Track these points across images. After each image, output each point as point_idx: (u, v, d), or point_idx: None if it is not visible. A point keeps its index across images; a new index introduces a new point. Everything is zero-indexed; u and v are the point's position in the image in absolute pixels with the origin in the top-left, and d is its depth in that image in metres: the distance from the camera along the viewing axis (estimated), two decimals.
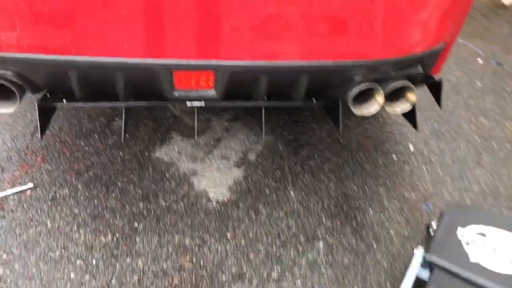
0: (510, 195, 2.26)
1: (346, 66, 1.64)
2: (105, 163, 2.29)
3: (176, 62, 1.50)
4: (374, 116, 2.76)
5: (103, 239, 1.92)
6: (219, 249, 1.91)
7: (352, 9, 1.51)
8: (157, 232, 1.96)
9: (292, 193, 2.20)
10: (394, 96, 1.86)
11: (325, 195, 2.20)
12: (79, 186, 2.15)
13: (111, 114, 2.62)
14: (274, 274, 1.84)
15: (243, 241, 1.95)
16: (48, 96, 1.84)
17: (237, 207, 2.11)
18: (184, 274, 1.81)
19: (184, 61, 1.51)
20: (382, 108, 1.85)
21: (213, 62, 1.52)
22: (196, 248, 1.91)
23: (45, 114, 1.90)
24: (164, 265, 1.83)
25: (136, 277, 1.78)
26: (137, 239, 1.93)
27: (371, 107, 1.84)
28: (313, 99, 1.91)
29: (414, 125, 2.03)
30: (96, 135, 2.46)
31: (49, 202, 2.06)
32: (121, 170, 2.25)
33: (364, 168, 2.37)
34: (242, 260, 1.88)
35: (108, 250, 1.88)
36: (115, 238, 1.92)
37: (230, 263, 1.86)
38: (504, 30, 4.00)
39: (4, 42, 1.43)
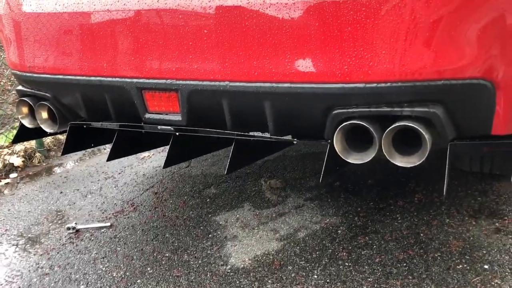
0: None
1: (313, 92, 1.38)
2: (172, 217, 2.42)
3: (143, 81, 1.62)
4: (490, 217, 2.07)
5: (114, 274, 2.00)
6: None
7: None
8: (158, 279, 1.92)
9: (315, 276, 1.82)
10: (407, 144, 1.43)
11: None
12: (138, 232, 2.33)
13: (206, 183, 2.79)
14: None
15: None
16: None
17: (247, 276, 1.87)
18: None
19: (149, 80, 1.61)
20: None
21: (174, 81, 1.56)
22: None
23: (74, 135, 2.09)
24: None
25: None
26: (139, 281, 1.93)
27: (366, 155, 1.44)
28: (292, 136, 1.61)
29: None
30: (195, 195, 2.65)
31: (108, 239, 2.30)
32: (179, 225, 2.33)
33: (429, 270, 1.78)
34: None
35: (115, 285, 1.94)
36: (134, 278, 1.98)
37: None
38: None
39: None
